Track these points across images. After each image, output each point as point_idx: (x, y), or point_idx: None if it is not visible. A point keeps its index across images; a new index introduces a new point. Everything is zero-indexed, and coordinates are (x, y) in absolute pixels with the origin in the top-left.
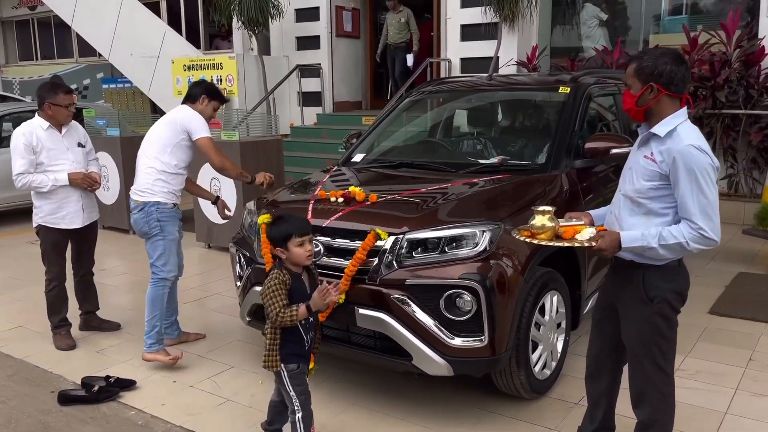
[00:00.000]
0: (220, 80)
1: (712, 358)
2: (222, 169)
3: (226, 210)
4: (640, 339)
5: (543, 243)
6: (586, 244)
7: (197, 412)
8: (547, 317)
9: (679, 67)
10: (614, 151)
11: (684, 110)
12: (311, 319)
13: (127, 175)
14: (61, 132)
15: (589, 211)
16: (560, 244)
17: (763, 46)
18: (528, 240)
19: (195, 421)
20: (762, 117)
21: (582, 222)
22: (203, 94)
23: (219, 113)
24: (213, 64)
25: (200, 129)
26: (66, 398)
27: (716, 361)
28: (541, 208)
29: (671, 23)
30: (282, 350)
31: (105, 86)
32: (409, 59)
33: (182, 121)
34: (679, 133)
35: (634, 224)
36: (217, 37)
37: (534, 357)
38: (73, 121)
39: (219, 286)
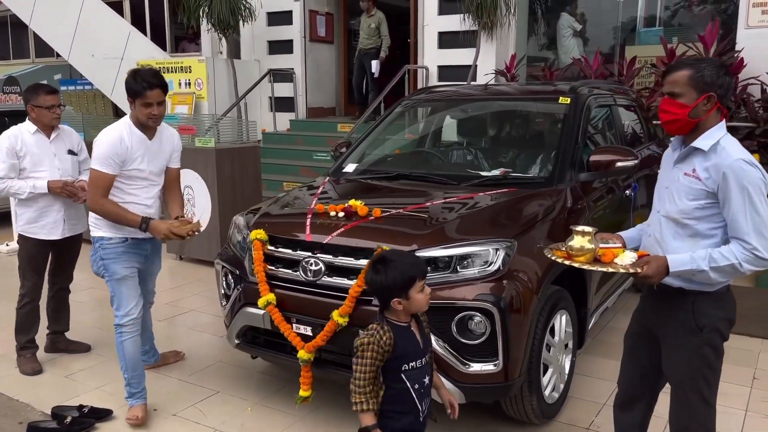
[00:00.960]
0: (189, 84)
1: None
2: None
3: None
4: (687, 371)
5: (582, 267)
6: (631, 270)
7: None
8: (557, 338)
9: (731, 78)
10: (619, 164)
11: (724, 123)
12: (419, 363)
13: None
14: (49, 137)
15: (620, 233)
16: (602, 269)
17: (741, 58)
18: (565, 262)
19: None
20: (740, 129)
21: (619, 245)
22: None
23: (189, 118)
24: (181, 66)
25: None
26: (36, 431)
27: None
28: (580, 228)
29: (646, 35)
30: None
31: (63, 88)
32: (374, 65)
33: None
34: (725, 147)
35: (679, 248)
36: (184, 40)
37: (545, 380)
38: (66, 127)
39: (194, 302)
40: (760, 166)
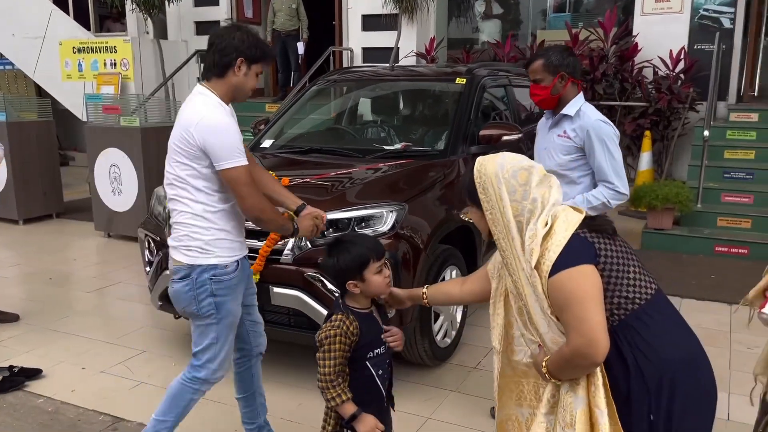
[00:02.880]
0: (114, 64)
1: None
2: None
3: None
4: None
5: None
6: None
7: (110, 395)
8: None
9: (575, 57)
10: (505, 138)
11: (582, 94)
12: (382, 349)
13: (15, 162)
14: None
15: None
16: None
17: (636, 43)
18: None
19: (108, 404)
20: (635, 108)
21: None
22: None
23: (116, 98)
24: (106, 47)
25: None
26: None
27: None
28: None
29: (556, 20)
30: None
31: None
32: (300, 47)
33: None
34: (585, 111)
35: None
36: (109, 19)
37: (436, 327)
38: None
39: (122, 275)
40: (611, 123)
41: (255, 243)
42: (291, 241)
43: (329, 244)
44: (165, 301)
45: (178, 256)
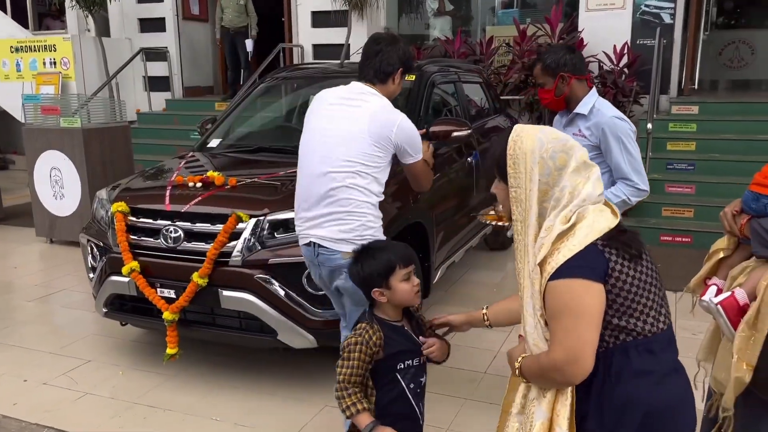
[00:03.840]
0: (54, 63)
1: None
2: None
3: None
4: None
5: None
6: None
7: (54, 408)
8: None
9: (575, 53)
10: (455, 134)
11: (594, 89)
12: (414, 362)
13: None
14: None
15: None
16: None
17: (582, 38)
18: (496, 224)
19: (52, 417)
20: None
21: None
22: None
23: (57, 99)
24: (45, 45)
25: None
26: None
27: None
28: None
29: (504, 16)
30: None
31: None
32: (249, 44)
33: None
34: (600, 108)
35: None
36: (48, 17)
37: None
38: None
39: (65, 282)
40: (627, 119)
41: (203, 246)
42: (240, 243)
43: (357, 251)
44: (110, 308)
45: (347, 247)
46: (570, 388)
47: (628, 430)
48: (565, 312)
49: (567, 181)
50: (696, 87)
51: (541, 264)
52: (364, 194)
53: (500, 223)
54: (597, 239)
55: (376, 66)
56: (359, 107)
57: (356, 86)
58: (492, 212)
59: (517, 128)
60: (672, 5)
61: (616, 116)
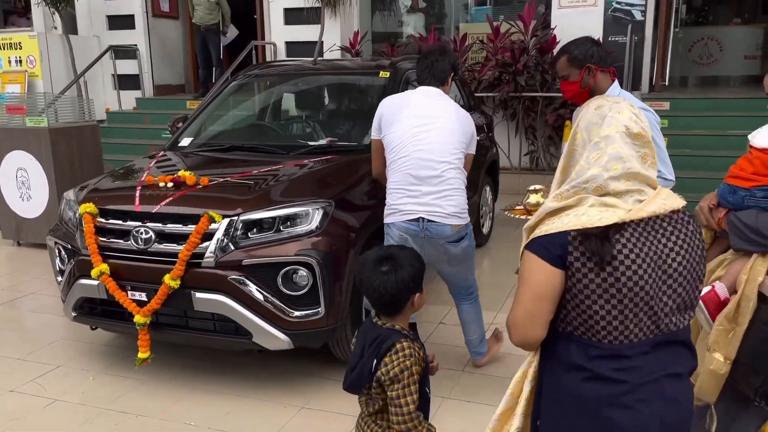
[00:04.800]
0: (20, 61)
1: None
2: None
3: None
4: None
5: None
6: None
7: (21, 416)
8: None
9: (600, 46)
10: None
11: (617, 82)
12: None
13: None
14: None
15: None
16: None
17: (555, 36)
18: (525, 218)
19: (21, 426)
20: (556, 99)
21: None
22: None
23: (22, 98)
24: (10, 43)
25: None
26: None
27: None
28: (533, 187)
29: (478, 13)
30: None
31: None
32: (226, 40)
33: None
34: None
35: None
36: (13, 14)
37: None
38: None
39: (34, 285)
40: (652, 110)
41: (174, 248)
42: (213, 244)
43: (376, 262)
44: (79, 312)
45: (456, 221)
46: (529, 381)
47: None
48: (522, 280)
49: (585, 154)
50: (666, 83)
51: (530, 228)
52: (461, 182)
53: (526, 217)
54: (572, 230)
55: (441, 68)
56: (443, 105)
57: (437, 91)
58: (519, 206)
59: (617, 101)
60: (643, 2)
61: (641, 107)
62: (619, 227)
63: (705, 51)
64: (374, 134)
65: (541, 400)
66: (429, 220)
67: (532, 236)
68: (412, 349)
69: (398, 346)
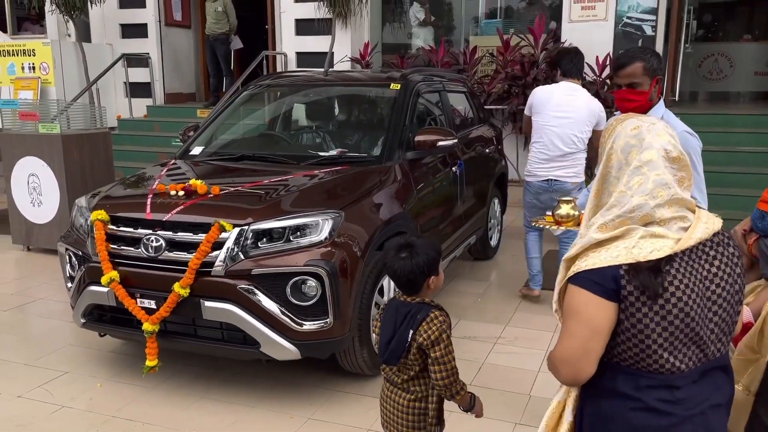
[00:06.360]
0: (33, 68)
1: (527, 325)
2: None
3: None
4: None
5: (571, 230)
6: None
7: (28, 422)
8: (385, 297)
9: (660, 58)
10: (441, 143)
11: (662, 100)
12: None
13: None
14: None
15: (577, 197)
16: None
17: None
18: (554, 227)
19: None
20: None
21: None
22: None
23: (35, 104)
24: (24, 50)
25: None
26: None
27: (530, 328)
28: (565, 198)
29: (488, 26)
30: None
31: None
32: (234, 45)
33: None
34: (669, 121)
35: None
36: (27, 21)
37: (374, 336)
38: None
39: (43, 291)
40: (696, 135)
41: (185, 256)
42: (223, 253)
43: (396, 249)
44: (88, 319)
45: (575, 179)
46: (568, 414)
47: None
48: (572, 315)
49: (624, 179)
50: (677, 98)
51: (569, 259)
52: (584, 152)
53: (555, 227)
54: (624, 264)
55: (577, 65)
56: (578, 96)
57: (573, 84)
58: (548, 214)
59: (649, 123)
60: (653, 17)
61: (686, 131)
62: (669, 258)
63: (715, 66)
64: (526, 111)
65: (583, 428)
66: (555, 180)
67: (575, 269)
68: (444, 316)
69: (432, 315)
